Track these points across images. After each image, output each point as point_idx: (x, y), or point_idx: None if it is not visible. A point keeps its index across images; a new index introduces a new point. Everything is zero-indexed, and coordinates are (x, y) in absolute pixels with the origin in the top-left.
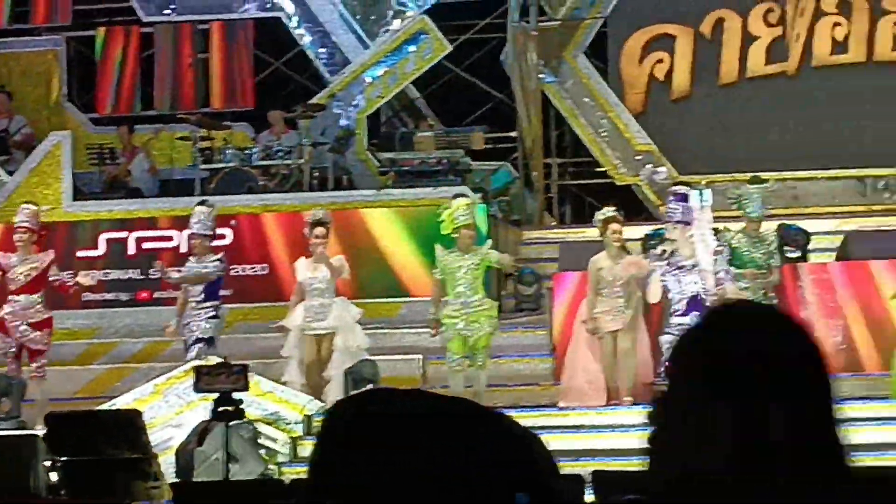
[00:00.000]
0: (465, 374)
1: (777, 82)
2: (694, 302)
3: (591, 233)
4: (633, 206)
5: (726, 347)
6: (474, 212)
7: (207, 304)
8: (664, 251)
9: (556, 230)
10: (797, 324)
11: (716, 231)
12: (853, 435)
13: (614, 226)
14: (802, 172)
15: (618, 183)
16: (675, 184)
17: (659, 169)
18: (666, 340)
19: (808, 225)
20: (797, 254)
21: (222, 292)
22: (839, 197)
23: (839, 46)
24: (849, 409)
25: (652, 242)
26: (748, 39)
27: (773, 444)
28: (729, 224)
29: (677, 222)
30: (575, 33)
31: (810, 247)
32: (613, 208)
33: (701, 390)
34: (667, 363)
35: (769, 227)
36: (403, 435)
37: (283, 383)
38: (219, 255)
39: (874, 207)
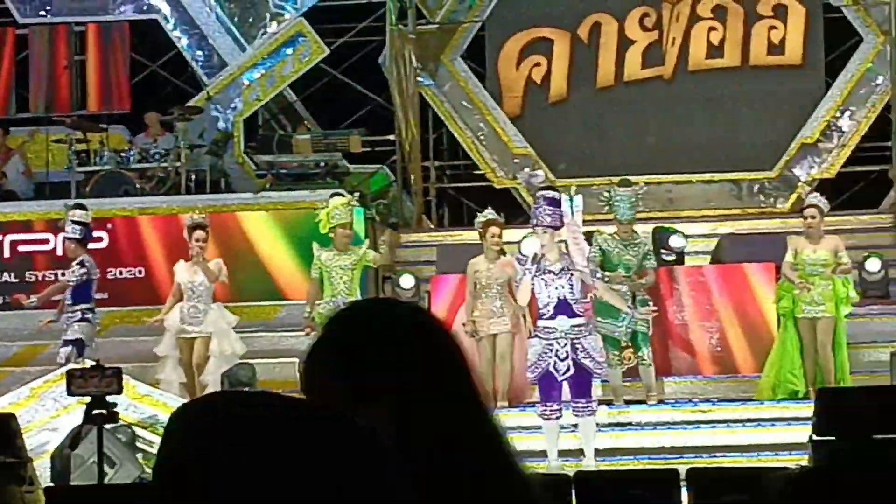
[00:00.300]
0: None
1: (653, 86)
2: (562, 306)
3: (469, 236)
4: (511, 210)
5: (347, 342)
6: (351, 211)
7: (77, 307)
8: (535, 255)
9: (434, 233)
10: (419, 318)
11: (588, 234)
12: (727, 436)
13: (493, 229)
14: (678, 176)
15: (496, 186)
16: (546, 187)
17: (536, 172)
18: (532, 345)
19: (683, 228)
20: (673, 257)
21: (99, 295)
22: (714, 200)
23: (715, 51)
24: (723, 411)
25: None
26: (625, 44)
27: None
28: (602, 227)
29: (547, 226)
30: (453, 37)
31: (687, 249)
32: (493, 211)
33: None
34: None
35: (645, 230)
36: (244, 437)
37: (159, 382)
38: (80, 258)
39: (749, 211)
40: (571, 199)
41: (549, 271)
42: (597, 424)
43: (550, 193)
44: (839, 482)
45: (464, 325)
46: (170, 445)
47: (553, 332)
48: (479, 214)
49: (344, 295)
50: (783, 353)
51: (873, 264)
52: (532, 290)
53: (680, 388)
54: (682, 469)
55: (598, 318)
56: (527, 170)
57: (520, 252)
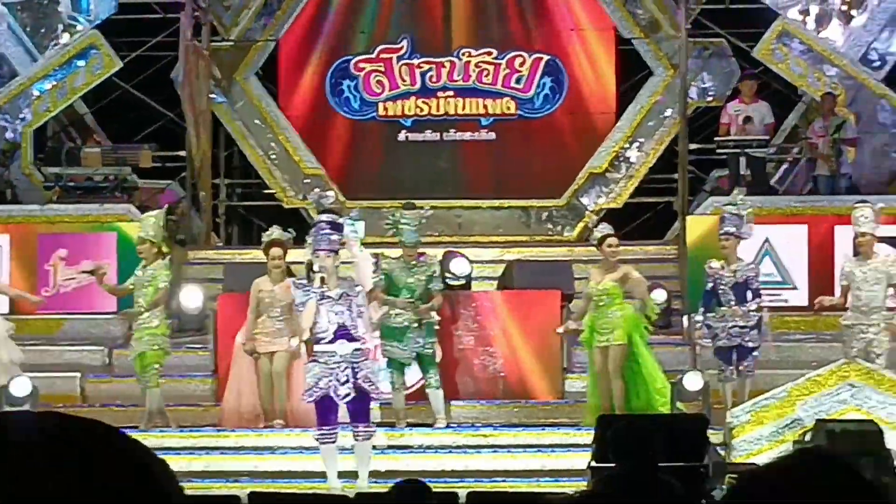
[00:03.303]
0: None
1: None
2: (341, 330)
3: (258, 255)
4: (300, 230)
5: None
6: (158, 226)
7: None
8: (321, 278)
9: (222, 251)
10: None
11: (374, 258)
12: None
13: (275, 250)
14: (467, 201)
15: (286, 206)
16: (325, 211)
17: (327, 193)
18: (309, 368)
19: (471, 253)
20: (458, 281)
21: None
22: (503, 226)
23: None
24: (505, 436)
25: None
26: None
27: None
28: (387, 250)
29: (327, 250)
30: (247, 55)
31: (473, 275)
32: (280, 230)
33: None
34: None
35: (435, 254)
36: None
37: None
38: None
39: (537, 238)
40: (354, 223)
41: (329, 297)
42: (374, 447)
43: (330, 218)
44: None
45: (243, 343)
46: None
47: (333, 356)
48: (265, 234)
49: (143, 310)
50: (590, 381)
51: (659, 295)
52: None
53: (464, 412)
54: (463, 493)
55: (384, 341)
56: (317, 190)
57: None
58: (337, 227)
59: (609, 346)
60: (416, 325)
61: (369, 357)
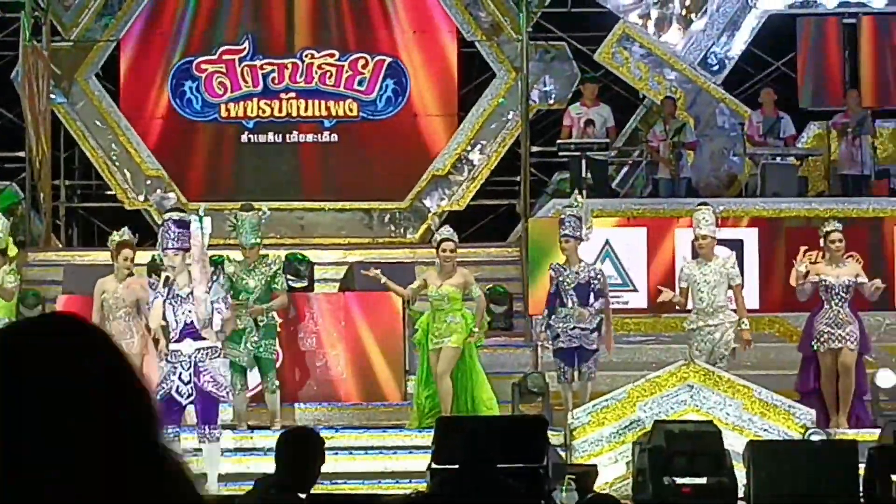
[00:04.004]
0: None
1: None
2: (188, 329)
3: (99, 256)
4: (142, 231)
5: None
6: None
7: None
8: (167, 277)
9: (62, 252)
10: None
11: (214, 259)
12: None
13: (126, 251)
14: (310, 203)
15: (127, 207)
16: (173, 209)
17: (168, 195)
18: (162, 367)
19: (314, 255)
20: (303, 283)
21: None
22: (346, 228)
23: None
24: (347, 438)
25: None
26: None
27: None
28: (230, 252)
29: (176, 249)
30: (88, 55)
31: (316, 276)
32: (129, 232)
33: None
34: None
35: (277, 255)
36: None
37: None
38: None
39: (379, 240)
40: (201, 220)
41: (178, 295)
42: (222, 450)
43: (178, 216)
44: None
45: None
46: None
47: (179, 355)
48: (114, 234)
49: None
50: (418, 384)
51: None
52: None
53: (306, 414)
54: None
55: (225, 343)
56: (158, 191)
57: (153, 274)
58: (185, 226)
59: (442, 349)
60: (254, 327)
61: (220, 357)
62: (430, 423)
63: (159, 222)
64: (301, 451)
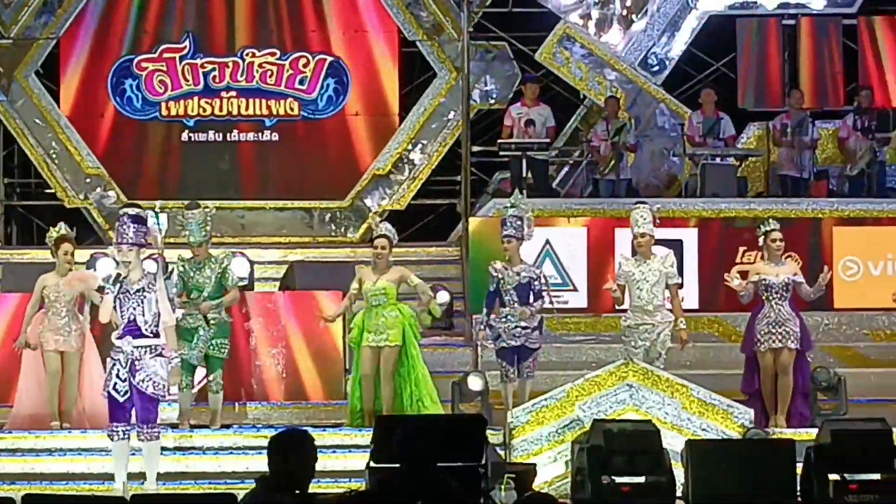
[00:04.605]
0: None
1: None
2: (130, 326)
3: (38, 254)
4: (82, 229)
5: None
6: None
7: None
8: (118, 274)
9: (1, 251)
10: None
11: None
12: None
13: (66, 245)
14: (251, 202)
15: (67, 205)
16: (127, 205)
17: (108, 193)
18: (110, 361)
19: (254, 254)
20: (244, 282)
21: None
22: (286, 227)
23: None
24: None
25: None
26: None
27: None
28: (181, 251)
29: (131, 244)
30: (27, 53)
31: (256, 275)
32: (66, 227)
33: None
34: None
35: (225, 252)
36: None
37: None
38: None
39: (320, 239)
40: (157, 217)
41: (127, 291)
42: (162, 449)
43: (135, 211)
44: None
45: (27, 342)
46: None
47: (119, 353)
48: (51, 229)
49: None
50: (354, 382)
51: (442, 296)
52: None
53: (247, 413)
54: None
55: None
56: (99, 190)
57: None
58: (141, 221)
59: (383, 347)
60: (205, 325)
61: (164, 355)
62: (365, 423)
63: (99, 220)
64: (294, 451)
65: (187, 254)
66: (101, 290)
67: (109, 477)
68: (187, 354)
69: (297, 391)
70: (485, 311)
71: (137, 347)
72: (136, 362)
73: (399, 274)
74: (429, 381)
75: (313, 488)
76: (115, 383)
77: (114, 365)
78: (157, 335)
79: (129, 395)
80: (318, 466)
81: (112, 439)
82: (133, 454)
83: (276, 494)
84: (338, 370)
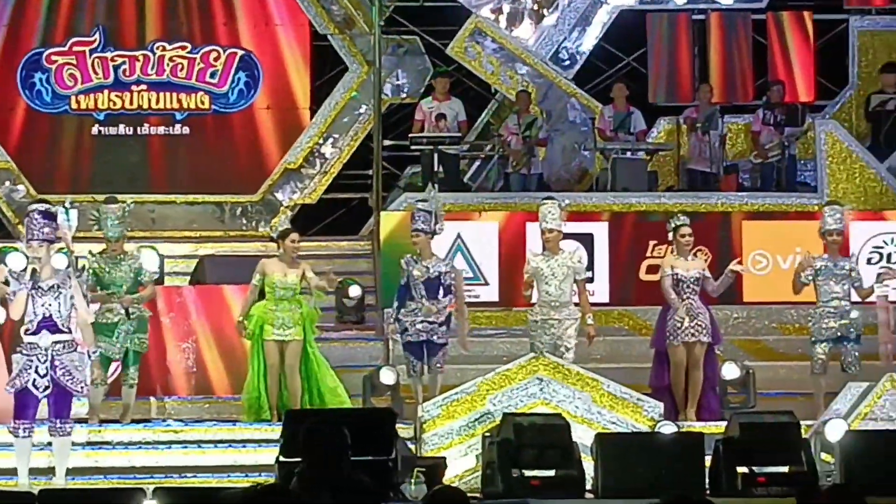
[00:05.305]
0: None
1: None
2: (46, 322)
3: None
4: None
5: None
6: None
7: None
8: (33, 269)
9: None
10: None
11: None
12: (199, 457)
13: None
14: (161, 196)
15: None
16: (36, 201)
17: (18, 187)
18: (17, 360)
19: (165, 248)
20: (156, 276)
21: None
22: (197, 221)
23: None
24: (196, 432)
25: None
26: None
27: None
28: (92, 246)
29: (41, 240)
30: None
31: (167, 270)
32: None
33: None
34: None
35: (140, 247)
36: None
37: None
38: None
39: (231, 233)
40: (67, 213)
41: (40, 287)
42: (73, 443)
43: (44, 207)
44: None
45: None
46: None
47: (35, 348)
48: None
49: None
50: (254, 376)
51: (354, 290)
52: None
53: (164, 408)
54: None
55: (97, 337)
56: (7, 183)
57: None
58: (51, 217)
59: (290, 341)
60: (126, 319)
61: (79, 350)
62: (269, 417)
63: (8, 214)
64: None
65: (97, 248)
66: (6, 283)
67: (12, 472)
68: (107, 350)
69: (205, 385)
70: (395, 304)
71: (56, 343)
72: (56, 357)
73: (304, 269)
74: (332, 376)
75: (224, 483)
76: (34, 379)
77: (30, 361)
78: (71, 330)
79: (48, 390)
80: (230, 461)
81: (17, 436)
82: (41, 449)
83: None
84: (245, 365)
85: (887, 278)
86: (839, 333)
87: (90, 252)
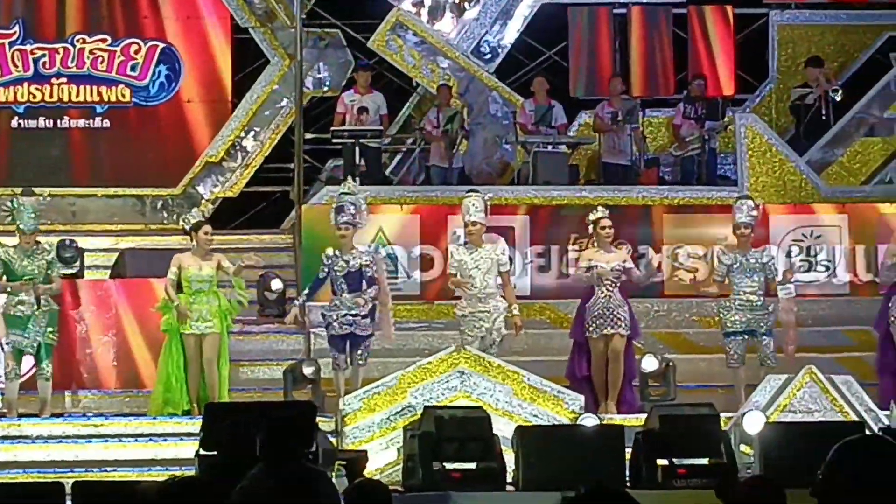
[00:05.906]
0: None
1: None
2: None
3: None
4: None
5: None
6: None
7: None
8: None
9: None
10: None
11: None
12: (120, 451)
13: None
14: (82, 189)
15: None
16: None
17: None
18: None
19: (85, 241)
20: (73, 270)
21: None
22: (117, 214)
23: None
24: (117, 426)
25: None
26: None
27: None
28: (5, 238)
29: None
30: None
31: (87, 263)
32: None
33: None
34: None
35: (49, 241)
36: None
37: None
38: None
39: (152, 226)
40: None
41: None
42: None
43: None
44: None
45: None
46: None
47: None
48: None
49: None
50: (169, 369)
51: (276, 284)
52: None
53: (79, 401)
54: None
55: (9, 330)
56: None
57: None
58: None
59: (208, 334)
60: (38, 312)
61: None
62: (179, 411)
63: None
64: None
65: (9, 241)
66: None
67: None
68: (18, 342)
69: (128, 379)
70: (305, 292)
71: None
72: None
73: (218, 260)
74: (226, 367)
75: (145, 476)
76: None
77: None
78: None
79: None
80: (150, 455)
81: None
82: None
83: None
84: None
85: (790, 278)
86: (749, 327)
87: (1, 243)
